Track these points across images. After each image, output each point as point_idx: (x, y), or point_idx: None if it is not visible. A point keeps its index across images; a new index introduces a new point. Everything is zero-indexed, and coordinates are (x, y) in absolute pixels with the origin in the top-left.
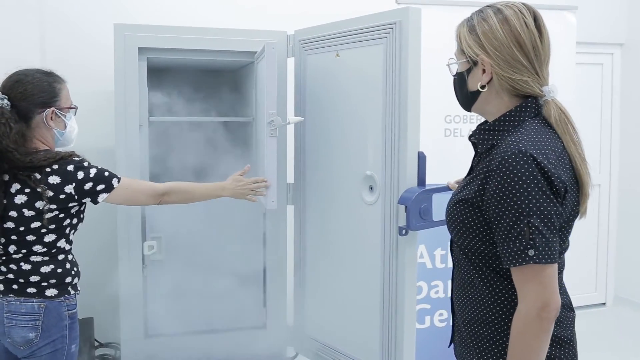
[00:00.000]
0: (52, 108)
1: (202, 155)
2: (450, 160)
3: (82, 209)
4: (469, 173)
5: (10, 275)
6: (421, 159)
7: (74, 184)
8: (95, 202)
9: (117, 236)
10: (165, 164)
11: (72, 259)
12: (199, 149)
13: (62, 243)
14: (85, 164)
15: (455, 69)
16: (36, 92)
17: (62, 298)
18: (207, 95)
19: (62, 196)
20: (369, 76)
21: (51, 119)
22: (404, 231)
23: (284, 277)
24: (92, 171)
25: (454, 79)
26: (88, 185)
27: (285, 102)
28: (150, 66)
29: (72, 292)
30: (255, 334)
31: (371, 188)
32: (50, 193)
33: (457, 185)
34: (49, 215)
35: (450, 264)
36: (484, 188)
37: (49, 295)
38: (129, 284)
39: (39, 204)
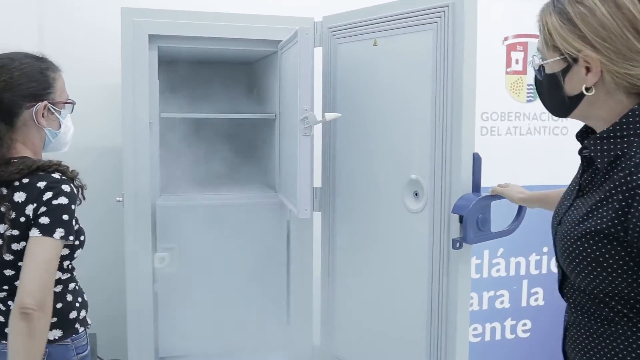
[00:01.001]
0: (45, 102)
1: (218, 156)
2: (487, 161)
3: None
4: (579, 194)
5: (0, 318)
6: (477, 161)
7: (34, 205)
8: (26, 236)
9: (124, 247)
10: (178, 166)
11: (74, 288)
12: (214, 149)
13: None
14: (65, 186)
15: (543, 68)
16: (25, 80)
17: (68, 340)
18: (221, 90)
19: (22, 219)
20: (414, 67)
21: (43, 115)
22: (458, 244)
23: (310, 292)
24: (61, 201)
25: (541, 81)
26: (41, 211)
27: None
28: (160, 57)
29: (81, 328)
30: (278, 355)
31: (416, 194)
32: (13, 214)
33: (504, 191)
34: (15, 246)
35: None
36: (627, 212)
37: (52, 338)
38: (137, 301)
39: (1, 229)
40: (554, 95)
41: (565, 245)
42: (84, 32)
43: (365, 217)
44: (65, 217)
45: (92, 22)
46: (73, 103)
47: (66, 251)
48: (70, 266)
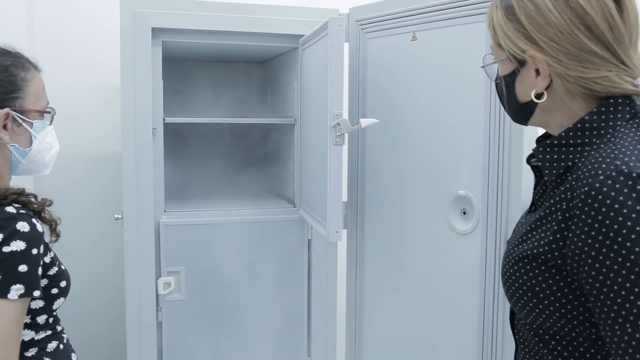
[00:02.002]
0: (7, 110)
1: (229, 165)
2: None
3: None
4: (530, 209)
5: None
6: None
7: None
8: None
9: (123, 271)
10: (184, 178)
11: (56, 348)
12: (224, 157)
13: (24, 334)
14: (21, 225)
15: (493, 71)
16: None
17: None
18: (232, 92)
19: None
20: (464, 64)
21: (5, 127)
22: None
23: (334, 321)
24: (16, 246)
25: (498, 84)
26: None
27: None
28: (164, 54)
29: None
30: None
31: (465, 213)
32: None
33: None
34: None
35: None
36: (565, 236)
37: None
38: (139, 332)
39: None
40: (510, 100)
41: (503, 269)
42: (78, 25)
43: (401, 237)
44: (23, 267)
45: (88, 13)
46: (51, 112)
47: (38, 304)
48: (49, 321)
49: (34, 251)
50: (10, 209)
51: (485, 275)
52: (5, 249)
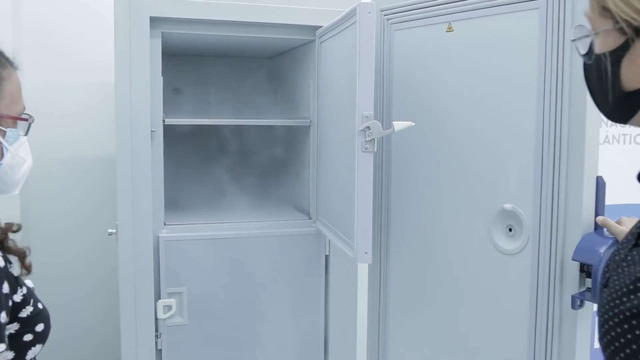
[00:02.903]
0: None
1: (235, 172)
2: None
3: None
4: (636, 244)
5: None
6: (600, 187)
7: None
8: None
9: (118, 292)
10: (187, 186)
11: None
12: (230, 163)
13: None
14: None
15: (586, 46)
16: None
17: None
18: (238, 91)
19: None
20: (510, 59)
21: None
22: (579, 302)
23: (353, 348)
24: None
25: (590, 66)
26: None
27: None
28: (164, 48)
29: None
30: None
31: (511, 230)
32: None
33: (612, 226)
34: None
35: None
36: None
37: None
38: None
39: None
40: (611, 87)
41: (605, 324)
42: (69, 14)
43: (432, 256)
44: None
45: (79, 1)
46: (29, 120)
47: (6, 356)
48: None
49: None
50: None
51: (537, 304)
52: None
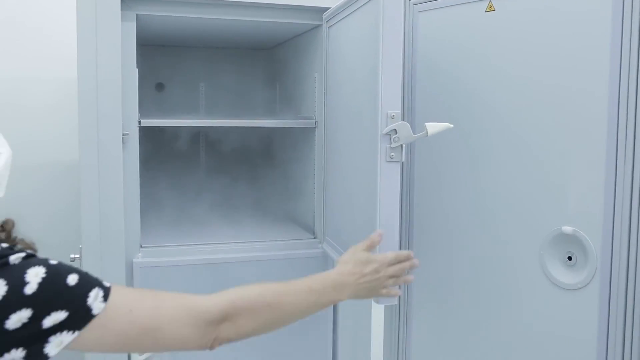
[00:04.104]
0: None
1: (226, 182)
2: None
3: None
4: None
5: None
6: None
7: None
8: (38, 358)
9: None
10: (167, 201)
11: None
12: (219, 172)
13: None
14: (18, 257)
15: None
16: None
17: None
18: (229, 86)
19: None
20: (572, 44)
21: None
22: None
23: None
24: (33, 276)
25: None
26: (18, 318)
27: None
28: (139, 34)
29: None
30: None
31: (571, 259)
32: None
33: None
34: None
35: None
36: None
37: None
38: None
39: None
40: None
41: None
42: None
43: (468, 288)
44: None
45: None
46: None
47: None
48: None
49: None
50: None
51: (607, 350)
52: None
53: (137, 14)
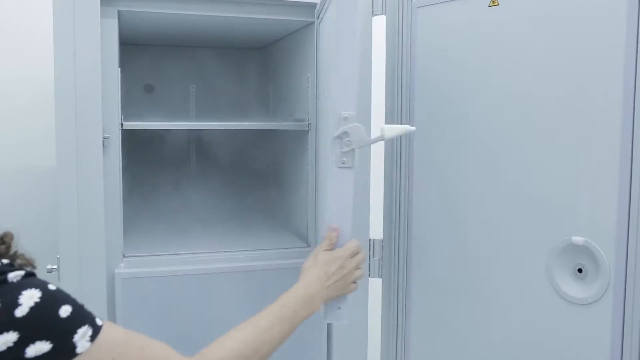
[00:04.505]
0: None
1: (214, 187)
2: None
3: None
4: None
5: None
6: None
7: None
8: None
9: None
10: (152, 206)
11: None
12: (207, 177)
13: None
14: (16, 277)
15: None
16: None
17: None
18: (220, 87)
19: None
20: (583, 40)
21: None
22: None
23: None
24: (26, 299)
25: None
26: (4, 341)
27: (369, 94)
28: (122, 33)
29: None
30: None
31: (581, 271)
32: None
33: None
34: None
35: None
36: None
37: None
38: None
39: None
40: None
41: None
42: None
43: (469, 296)
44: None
45: None
46: None
47: None
48: None
49: None
50: None
51: None
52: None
53: (118, 10)
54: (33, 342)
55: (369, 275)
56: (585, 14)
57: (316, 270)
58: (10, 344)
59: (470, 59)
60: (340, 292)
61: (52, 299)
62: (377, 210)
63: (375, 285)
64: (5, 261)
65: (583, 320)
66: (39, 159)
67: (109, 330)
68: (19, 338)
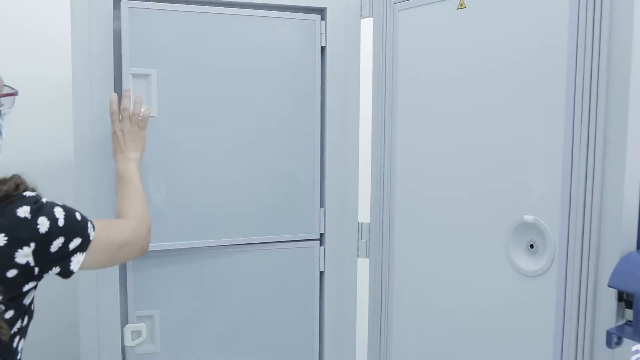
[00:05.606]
0: None
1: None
2: None
3: (34, 293)
4: None
5: None
6: None
7: (32, 245)
8: (67, 273)
9: (78, 317)
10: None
11: None
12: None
13: None
14: (45, 200)
15: None
16: None
17: None
18: None
19: (10, 273)
20: (534, 40)
21: None
22: (616, 340)
23: None
24: (59, 213)
25: None
26: (57, 244)
27: (357, 89)
28: None
29: None
30: None
31: (533, 247)
32: None
33: None
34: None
35: None
36: None
37: None
38: None
39: None
40: None
41: None
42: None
43: (441, 275)
44: (77, 215)
45: None
46: (14, 94)
47: (26, 320)
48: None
49: None
50: (30, 193)
51: (563, 341)
52: (57, 208)
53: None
54: (72, 240)
55: (358, 256)
56: (533, 23)
57: (115, 149)
58: (60, 245)
59: (440, 57)
60: (142, 142)
61: (69, 209)
62: (365, 196)
63: (363, 265)
64: (31, 193)
65: (533, 290)
66: (58, 153)
67: (96, 222)
68: (65, 240)
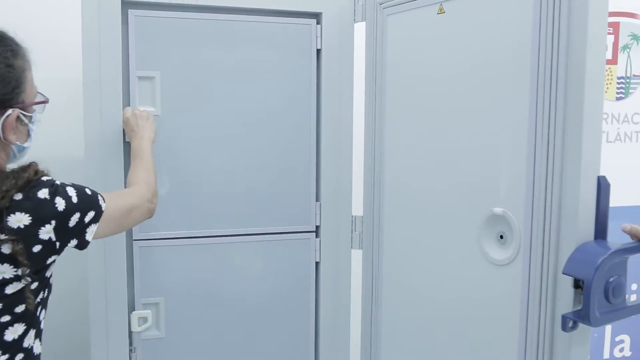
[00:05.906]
0: (15, 109)
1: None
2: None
3: (53, 267)
4: None
5: None
6: (603, 189)
7: (53, 223)
8: (83, 244)
9: (88, 303)
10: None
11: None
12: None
13: (30, 340)
14: (58, 182)
15: None
16: None
17: None
18: None
19: (36, 249)
20: (503, 42)
21: (13, 128)
22: (571, 324)
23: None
24: (72, 192)
25: None
26: (75, 219)
27: (350, 89)
28: None
29: None
30: None
31: (502, 237)
32: (19, 246)
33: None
34: (17, 286)
35: None
36: None
37: None
38: None
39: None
40: None
41: None
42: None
43: (424, 265)
44: (87, 190)
45: None
46: (45, 101)
47: (46, 292)
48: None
49: None
50: (46, 178)
51: (527, 326)
52: (69, 187)
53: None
54: (87, 213)
55: (352, 247)
56: (501, 28)
57: (130, 127)
58: (77, 220)
59: (422, 60)
60: (152, 125)
61: (79, 187)
62: (359, 190)
63: (356, 256)
64: (48, 177)
65: (502, 278)
66: (69, 150)
67: (104, 194)
68: (81, 214)
